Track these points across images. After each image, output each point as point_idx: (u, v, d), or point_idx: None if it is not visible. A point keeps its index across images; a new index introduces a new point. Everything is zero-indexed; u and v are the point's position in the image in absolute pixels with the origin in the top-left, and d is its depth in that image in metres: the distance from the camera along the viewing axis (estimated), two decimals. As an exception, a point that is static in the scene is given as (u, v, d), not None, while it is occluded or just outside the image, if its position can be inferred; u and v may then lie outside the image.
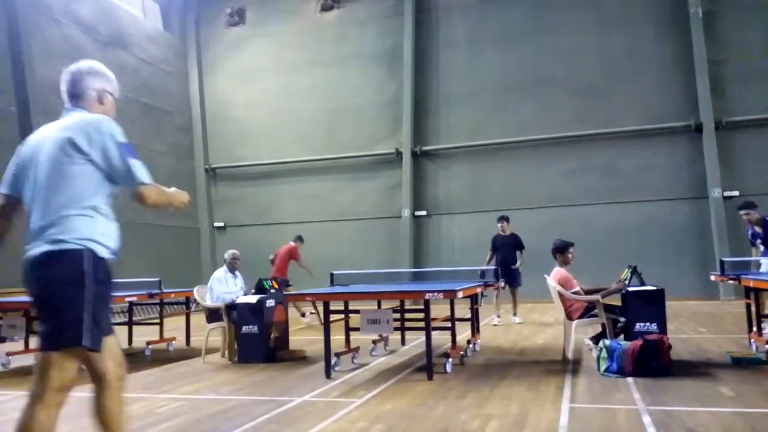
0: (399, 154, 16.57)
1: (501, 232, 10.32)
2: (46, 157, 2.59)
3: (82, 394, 5.56)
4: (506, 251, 10.15)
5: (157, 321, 8.99)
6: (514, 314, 10.23)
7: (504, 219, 10.43)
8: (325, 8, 17.93)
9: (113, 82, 2.88)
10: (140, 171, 2.57)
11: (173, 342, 8.68)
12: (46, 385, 2.53)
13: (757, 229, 7.73)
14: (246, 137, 18.24)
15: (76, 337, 2.48)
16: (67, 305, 2.49)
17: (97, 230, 2.58)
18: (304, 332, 9.87)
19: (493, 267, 9.42)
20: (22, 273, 2.62)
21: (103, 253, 2.60)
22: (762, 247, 7.77)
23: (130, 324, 8.86)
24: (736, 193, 14.30)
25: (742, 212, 7.80)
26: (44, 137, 2.68)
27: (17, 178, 2.73)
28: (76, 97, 2.77)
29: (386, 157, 16.72)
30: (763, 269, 7.46)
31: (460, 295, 6.00)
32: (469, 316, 7.44)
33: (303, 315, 11.37)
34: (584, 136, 15.36)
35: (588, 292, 6.52)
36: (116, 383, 2.65)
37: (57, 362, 2.52)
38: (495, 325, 9.83)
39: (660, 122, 14.89)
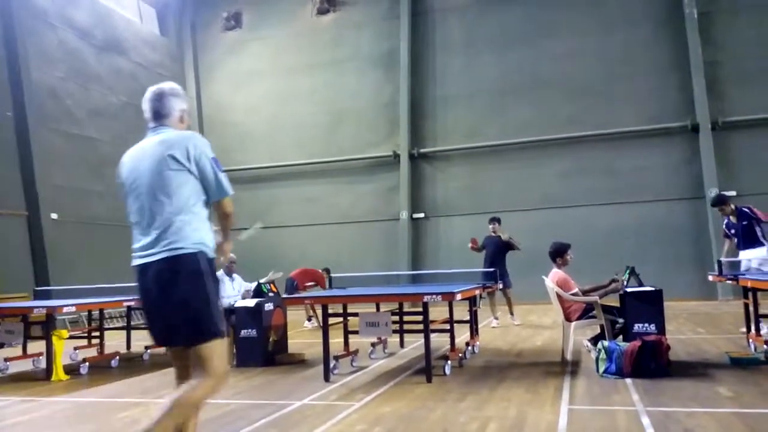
0: (396, 156, 16.58)
1: (492, 233, 10.30)
2: (149, 171, 2.82)
3: (78, 399, 5.56)
4: (493, 251, 10.08)
5: (156, 325, 8.95)
6: (511, 314, 10.16)
7: (495, 220, 10.40)
8: (321, 12, 17.94)
9: (187, 101, 3.13)
10: (227, 184, 2.90)
11: (172, 346, 8.64)
12: (207, 373, 2.73)
13: (733, 219, 7.88)
14: (244, 141, 18.24)
15: (214, 330, 2.76)
16: (198, 303, 2.74)
17: (203, 234, 2.85)
18: (302, 335, 9.86)
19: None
20: (138, 278, 2.84)
21: (211, 253, 2.88)
22: (735, 240, 7.93)
23: (128, 328, 8.84)
24: (733, 193, 14.29)
25: (716, 208, 7.99)
26: (142, 154, 2.91)
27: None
28: (163, 116, 3.00)
29: (384, 159, 16.73)
30: (751, 265, 7.52)
31: (459, 297, 6.00)
32: (467, 318, 7.44)
33: (309, 319, 11.30)
34: (581, 138, 15.39)
35: (586, 292, 6.53)
36: (217, 379, 2.80)
37: (205, 351, 2.74)
38: (494, 327, 9.80)
39: (657, 123, 14.92)
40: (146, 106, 3.03)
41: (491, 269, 8.60)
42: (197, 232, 2.81)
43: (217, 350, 2.78)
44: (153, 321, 2.89)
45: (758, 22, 14.51)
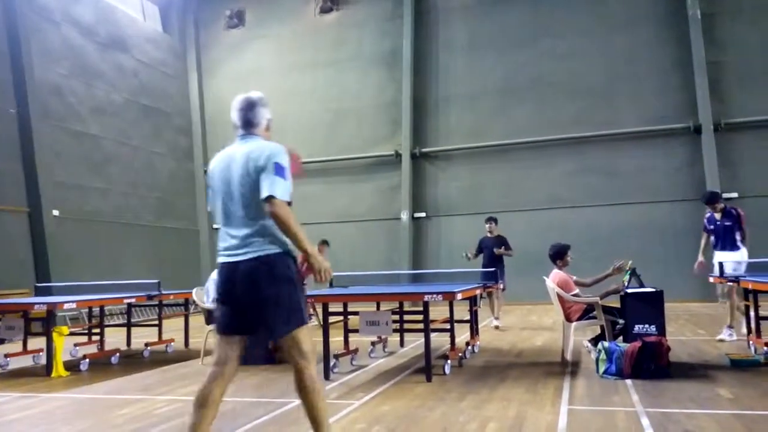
0: (398, 155, 16.58)
1: (488, 234, 10.21)
2: (239, 179, 3.08)
3: (78, 396, 5.56)
4: (490, 253, 10.00)
5: (156, 322, 8.98)
6: (496, 317, 9.80)
7: (492, 220, 10.29)
8: (325, 10, 17.94)
9: (270, 111, 3.40)
10: (279, 188, 2.97)
11: (172, 343, 8.67)
12: (302, 356, 3.05)
13: (717, 216, 7.81)
14: (245, 139, 18.21)
15: (301, 319, 3.08)
16: (287, 297, 3.02)
17: (286, 237, 3.08)
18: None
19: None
20: (226, 275, 3.07)
21: (295, 253, 3.11)
22: (713, 238, 7.90)
23: (128, 325, 8.85)
24: (735, 194, 14.30)
25: (712, 204, 7.83)
26: (231, 161, 3.15)
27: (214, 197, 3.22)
28: (253, 125, 3.27)
29: (386, 158, 16.73)
30: (726, 266, 7.42)
31: (459, 296, 6.00)
32: (468, 318, 7.44)
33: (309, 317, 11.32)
34: (584, 138, 15.37)
35: (588, 285, 6.58)
36: (313, 362, 3.10)
37: (295, 339, 3.05)
38: (496, 327, 9.61)
39: (659, 124, 14.90)
40: (236, 114, 3.27)
41: (492, 269, 8.59)
42: (281, 235, 3.04)
43: (305, 334, 3.09)
44: (230, 313, 3.09)
45: (762, 23, 14.48)
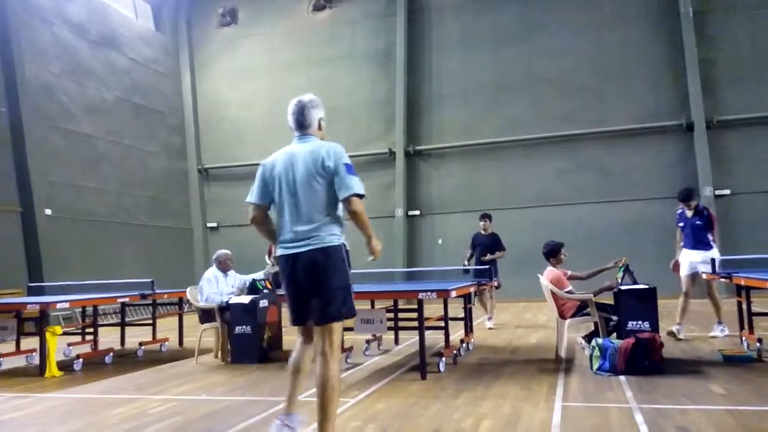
0: (392, 153, 16.58)
1: (482, 231, 9.92)
2: (301, 177, 3.35)
3: (72, 396, 5.54)
4: (483, 251, 9.68)
5: (150, 322, 8.96)
6: (489, 318, 9.55)
7: (486, 217, 9.97)
8: (318, 8, 17.92)
9: (323, 108, 3.63)
10: (356, 185, 3.29)
11: (166, 343, 8.64)
12: (331, 346, 3.31)
13: (688, 214, 7.63)
14: (239, 137, 18.21)
15: (347, 311, 3.35)
16: (339, 287, 3.31)
17: (341, 229, 3.41)
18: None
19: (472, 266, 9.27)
20: (289, 265, 3.36)
21: (348, 246, 3.40)
22: (682, 235, 7.74)
23: (122, 325, 8.83)
24: (727, 191, 14.39)
25: (687, 202, 7.61)
26: (293, 159, 3.42)
27: (266, 191, 3.49)
28: (306, 126, 3.53)
29: (379, 156, 16.72)
30: (697, 266, 7.48)
31: (454, 294, 6.01)
32: (462, 315, 7.45)
33: None
34: (576, 136, 15.42)
35: (584, 278, 6.62)
36: (337, 355, 3.34)
37: (330, 330, 3.31)
38: (490, 328, 9.34)
39: (651, 121, 14.96)
40: (290, 117, 3.56)
41: (485, 266, 8.55)
42: (338, 228, 3.38)
43: (339, 328, 3.38)
44: (298, 304, 3.41)
45: (753, 21, 14.56)
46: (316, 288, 3.31)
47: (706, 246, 7.50)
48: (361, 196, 3.28)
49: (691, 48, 14.59)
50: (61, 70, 14.36)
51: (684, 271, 7.63)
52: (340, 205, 3.38)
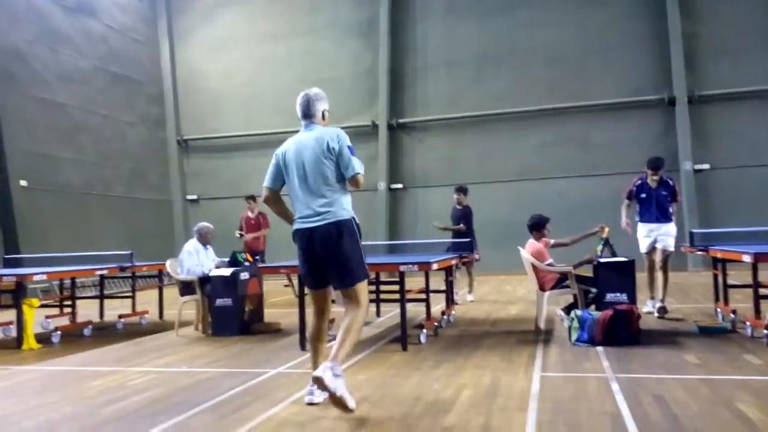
0: (375, 126, 16.47)
1: (456, 205, 9.56)
2: (310, 160, 3.80)
3: (50, 368, 5.49)
4: (456, 223, 9.42)
5: (130, 294, 8.89)
6: (469, 292, 9.49)
7: (460, 190, 9.54)
8: (300, -24, 17.55)
9: (327, 101, 4.08)
10: (358, 165, 3.80)
11: (146, 315, 8.60)
12: (359, 305, 3.78)
13: (652, 185, 7.25)
14: (219, 108, 17.94)
15: (364, 273, 3.84)
16: (355, 255, 3.78)
17: (350, 204, 3.87)
18: (279, 305, 9.85)
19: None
20: (306, 238, 3.79)
21: (357, 218, 3.86)
22: (639, 206, 7.37)
23: (101, 298, 8.75)
24: (707, 166, 14.54)
25: (656, 171, 7.19)
26: (302, 146, 3.86)
27: (278, 176, 3.97)
28: (311, 116, 3.97)
29: (362, 129, 16.59)
30: (657, 238, 7.20)
31: (435, 267, 6.03)
32: (443, 288, 7.49)
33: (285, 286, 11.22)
34: (559, 109, 15.42)
35: (564, 244, 6.70)
36: (365, 308, 3.83)
37: (356, 291, 3.78)
38: (472, 301, 9.35)
39: (634, 95, 15.00)
40: (297, 108, 3.99)
41: (466, 239, 8.50)
42: (347, 203, 3.85)
43: (364, 288, 3.83)
44: (312, 270, 3.87)
45: (736, -5, 14.55)
46: (333, 257, 3.74)
47: (667, 218, 7.24)
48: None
49: (675, 22, 14.57)
50: (34, 36, 13.95)
51: (645, 247, 7.32)
52: (344, 183, 3.85)
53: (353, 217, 3.84)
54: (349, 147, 3.82)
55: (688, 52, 14.63)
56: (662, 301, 7.07)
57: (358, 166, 3.80)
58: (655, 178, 7.26)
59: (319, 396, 3.80)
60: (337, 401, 3.45)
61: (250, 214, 11.32)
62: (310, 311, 4.06)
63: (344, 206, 3.82)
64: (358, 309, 3.76)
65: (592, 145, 15.15)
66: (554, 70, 15.51)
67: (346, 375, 4.47)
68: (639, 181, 7.40)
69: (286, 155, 3.92)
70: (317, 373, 3.46)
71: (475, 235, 9.46)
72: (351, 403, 3.50)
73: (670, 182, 7.35)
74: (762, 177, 14.08)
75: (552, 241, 6.70)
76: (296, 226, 3.84)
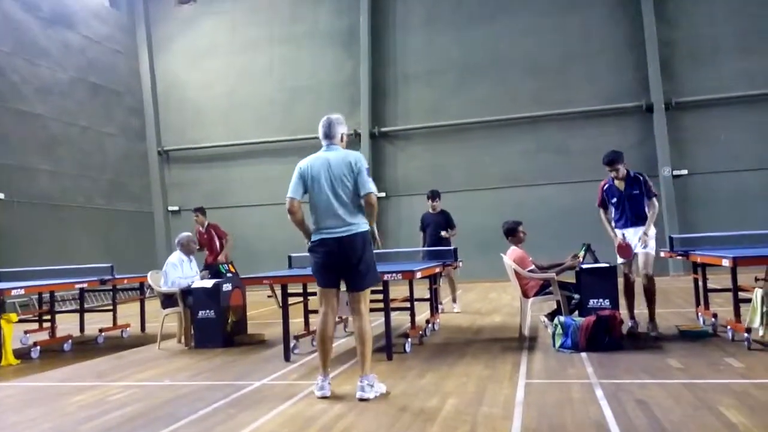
0: (357, 135, 16.47)
1: (430, 210, 9.36)
2: (333, 178, 4.30)
3: (29, 384, 5.38)
4: (435, 230, 9.18)
5: (110, 308, 8.76)
6: (453, 300, 9.25)
7: (435, 196, 9.34)
8: (280, -14, 17.56)
9: (346, 126, 4.61)
10: (372, 185, 4.32)
11: (127, 329, 8.49)
12: (365, 306, 4.34)
13: (618, 186, 6.44)
14: (200, 118, 17.84)
15: (376, 278, 4.51)
16: (371, 262, 4.36)
17: (364, 217, 4.36)
18: (262, 316, 9.78)
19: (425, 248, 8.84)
20: (327, 245, 4.29)
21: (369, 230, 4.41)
22: (613, 210, 6.55)
23: (81, 311, 8.62)
24: (685, 171, 14.75)
25: (615, 166, 6.33)
26: (325, 164, 4.35)
27: (302, 188, 4.40)
28: (332, 137, 4.48)
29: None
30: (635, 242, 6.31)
31: (419, 275, 6.03)
32: (428, 296, 7.49)
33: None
34: (540, 117, 15.56)
35: (544, 269, 6.63)
36: (367, 313, 4.35)
37: (365, 295, 4.35)
38: (458, 312, 9.06)
39: (613, 102, 15.19)
40: (320, 130, 4.50)
41: (446, 248, 8.41)
42: (363, 217, 4.34)
43: (369, 292, 4.42)
44: (330, 273, 4.37)
45: (711, 3, 14.83)
46: (353, 263, 4.26)
47: (644, 220, 6.31)
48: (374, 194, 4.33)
49: (651, 30, 14.80)
50: (11, 49, 13.78)
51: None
52: (360, 199, 4.33)
53: (367, 230, 4.37)
54: (366, 169, 4.34)
55: (665, 59, 14.87)
56: (651, 320, 6.23)
57: (372, 185, 4.31)
58: (615, 175, 6.38)
59: (329, 389, 4.31)
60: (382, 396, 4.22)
61: (200, 228, 9.87)
62: (320, 311, 4.41)
63: (361, 219, 4.32)
64: (362, 317, 4.28)
65: (573, 152, 15.30)
66: (534, 78, 15.66)
67: (331, 385, 4.44)
68: (606, 185, 6.60)
69: (311, 169, 4.37)
70: (361, 397, 4.13)
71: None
72: (384, 388, 4.31)
73: (640, 177, 6.41)
74: (738, 181, 14.32)
75: (530, 259, 6.69)
76: (321, 235, 4.32)
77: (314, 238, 4.37)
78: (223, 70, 17.80)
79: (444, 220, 9.31)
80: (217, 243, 9.84)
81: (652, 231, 6.37)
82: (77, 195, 15.22)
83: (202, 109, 17.85)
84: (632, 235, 6.39)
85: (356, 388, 4.20)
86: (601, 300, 6.09)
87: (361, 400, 4.11)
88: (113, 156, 16.71)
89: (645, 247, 6.27)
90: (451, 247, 8.26)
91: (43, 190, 14.15)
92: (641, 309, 6.49)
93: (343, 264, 4.31)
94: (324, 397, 4.24)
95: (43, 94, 14.52)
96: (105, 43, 16.89)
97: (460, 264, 8.65)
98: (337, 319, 7.45)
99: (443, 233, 9.09)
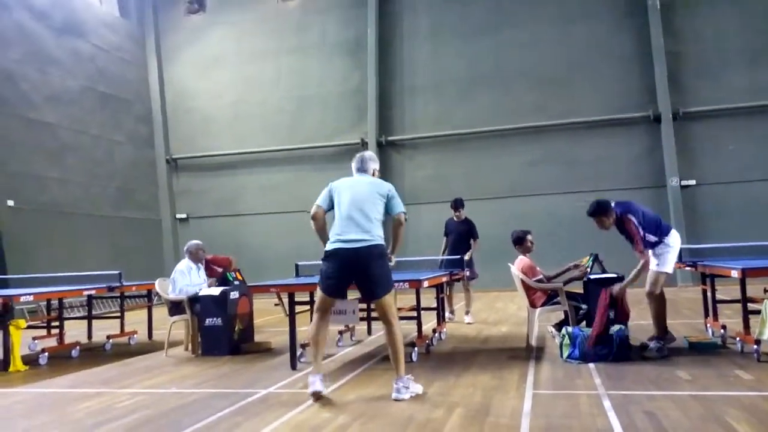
0: (364, 144, 16.52)
1: (454, 218, 9.24)
2: (366, 194, 4.66)
3: (37, 390, 5.41)
4: (457, 238, 9.07)
5: (118, 315, 8.79)
6: (466, 312, 9.03)
7: (456, 205, 9.17)
8: (288, -4, 17.70)
9: (378, 162, 5.09)
10: (401, 206, 4.75)
11: (135, 336, 8.51)
12: (391, 314, 4.57)
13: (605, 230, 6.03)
14: (208, 127, 17.95)
15: (391, 288, 4.63)
16: (387, 271, 4.62)
17: (382, 232, 4.66)
18: (269, 324, 9.79)
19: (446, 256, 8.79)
20: (344, 255, 4.51)
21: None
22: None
23: (89, 318, 8.65)
24: (693, 182, 14.70)
25: (599, 217, 5.91)
26: (357, 185, 4.76)
27: (329, 200, 4.76)
28: (365, 171, 4.92)
29: (351, 147, 16.63)
30: None
31: (426, 284, 6.03)
32: (434, 305, 7.48)
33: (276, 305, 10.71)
34: (546, 127, 15.57)
35: (551, 278, 6.62)
36: (397, 322, 4.62)
37: (387, 303, 4.55)
38: (469, 323, 8.82)
39: (619, 113, 15.18)
40: (353, 164, 4.97)
41: (456, 256, 8.42)
42: (381, 231, 4.65)
43: (391, 303, 4.60)
44: (339, 283, 4.61)
45: (718, 13, 14.85)
46: (370, 272, 4.50)
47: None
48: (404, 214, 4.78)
49: (658, 40, 14.81)
50: (22, 57, 13.93)
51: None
52: (382, 217, 4.71)
53: (385, 243, 4.67)
54: (397, 193, 4.82)
55: (672, 69, 14.87)
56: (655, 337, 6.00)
57: (402, 207, 4.76)
58: (607, 226, 5.89)
59: (321, 385, 4.49)
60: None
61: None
62: (315, 317, 4.69)
63: (380, 234, 4.63)
64: (391, 326, 4.52)
65: (580, 162, 15.29)
66: (540, 88, 15.68)
67: (337, 394, 4.44)
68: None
69: (341, 186, 4.76)
70: (396, 398, 4.37)
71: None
72: (420, 389, 4.58)
73: (625, 218, 5.76)
74: (746, 191, 14.26)
75: (539, 269, 6.67)
76: (338, 245, 4.54)
77: (331, 246, 4.58)
78: (232, 79, 17.92)
79: (466, 230, 9.12)
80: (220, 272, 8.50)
81: (662, 249, 6.00)
82: (86, 202, 15.31)
83: (210, 117, 17.96)
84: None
85: (392, 390, 4.42)
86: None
87: (396, 400, 4.34)
88: (122, 164, 16.82)
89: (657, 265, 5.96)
90: (466, 257, 8.21)
91: (52, 197, 14.25)
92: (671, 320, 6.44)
93: (356, 274, 4.53)
94: (316, 392, 4.44)
95: (53, 102, 14.65)
96: (115, 53, 17.04)
97: (467, 273, 8.56)
98: (343, 328, 7.54)
99: (465, 256, 8.63)
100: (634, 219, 5.71)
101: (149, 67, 18.31)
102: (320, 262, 4.70)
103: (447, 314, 8.91)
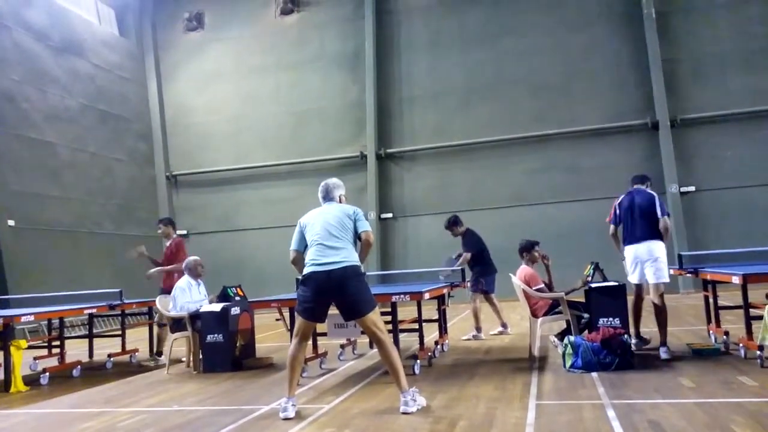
0: (364, 156, 16.56)
1: (459, 235, 8.87)
2: (335, 219, 4.73)
3: (38, 411, 5.37)
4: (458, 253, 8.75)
5: (119, 333, 8.77)
6: (502, 323, 8.76)
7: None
8: (285, 12, 17.82)
9: (344, 188, 5.16)
10: (367, 226, 4.80)
11: (136, 354, 8.48)
12: (379, 330, 4.56)
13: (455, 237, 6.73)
14: (207, 143, 18.00)
15: (372, 305, 4.61)
16: (365, 291, 4.63)
17: (356, 255, 4.73)
18: (270, 339, 9.76)
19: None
20: (318, 279, 4.55)
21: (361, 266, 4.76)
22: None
23: (90, 336, 8.62)
24: (692, 188, 14.71)
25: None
26: (325, 212, 4.85)
27: (303, 240, 4.84)
28: (331, 199, 5.00)
29: (351, 160, 16.69)
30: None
31: (427, 296, 6.01)
32: (436, 317, 7.46)
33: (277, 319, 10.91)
34: (545, 136, 15.60)
35: (549, 287, 6.62)
36: (387, 337, 4.62)
37: (372, 320, 4.55)
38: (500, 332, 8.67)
39: (618, 121, 15.22)
40: (319, 193, 5.05)
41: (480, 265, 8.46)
42: (355, 254, 4.71)
43: (377, 318, 4.59)
44: (317, 307, 4.61)
45: (713, 20, 14.93)
46: (347, 292, 4.53)
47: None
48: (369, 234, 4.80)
49: (655, 48, 14.88)
50: (22, 77, 14.01)
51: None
52: (354, 240, 4.76)
53: (360, 264, 4.70)
54: (363, 214, 4.90)
55: (669, 76, 14.92)
56: (662, 344, 5.93)
57: (369, 227, 4.80)
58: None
59: (292, 411, 4.46)
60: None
61: (167, 242, 8.98)
62: (294, 340, 4.67)
63: (354, 256, 4.68)
64: (381, 342, 4.52)
65: (580, 170, 15.30)
66: (539, 97, 15.74)
67: (339, 409, 4.41)
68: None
69: (310, 219, 4.86)
70: (404, 411, 4.35)
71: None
72: (424, 401, 4.56)
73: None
74: (746, 197, 14.26)
75: (540, 278, 6.66)
76: (312, 268, 4.57)
77: (306, 271, 4.62)
78: (231, 95, 18.00)
79: (462, 244, 8.86)
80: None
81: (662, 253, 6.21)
82: (86, 221, 15.33)
83: (209, 133, 18.02)
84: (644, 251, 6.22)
85: (399, 403, 4.42)
86: (611, 319, 6.05)
87: (404, 413, 4.33)
88: (122, 181, 16.86)
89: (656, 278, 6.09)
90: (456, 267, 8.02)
91: (52, 216, 14.26)
92: (650, 327, 6.43)
93: (333, 296, 4.56)
94: (287, 419, 4.38)
95: (52, 121, 14.71)
96: (114, 71, 17.14)
97: (467, 284, 8.39)
98: (345, 341, 7.52)
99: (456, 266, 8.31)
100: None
101: (148, 85, 18.40)
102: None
103: (499, 328, 8.68)
